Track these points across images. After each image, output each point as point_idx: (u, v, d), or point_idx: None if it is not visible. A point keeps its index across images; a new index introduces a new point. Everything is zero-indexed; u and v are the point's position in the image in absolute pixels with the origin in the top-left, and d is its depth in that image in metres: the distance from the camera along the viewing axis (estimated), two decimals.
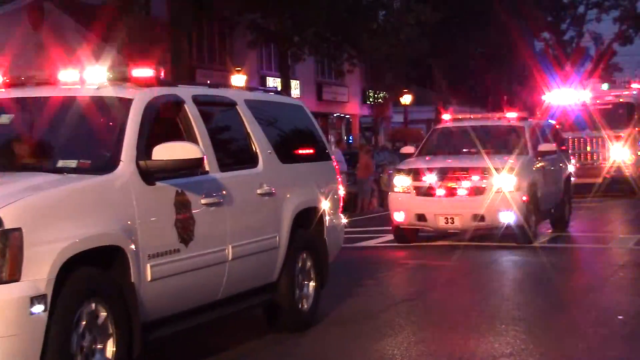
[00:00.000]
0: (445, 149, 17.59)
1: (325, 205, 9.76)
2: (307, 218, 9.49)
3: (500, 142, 17.30)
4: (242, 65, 35.15)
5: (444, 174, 16.07)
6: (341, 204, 10.38)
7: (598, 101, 27.55)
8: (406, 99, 45.81)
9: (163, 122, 7.83)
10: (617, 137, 26.55)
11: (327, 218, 9.82)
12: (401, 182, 16.41)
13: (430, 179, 16.08)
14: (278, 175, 9.08)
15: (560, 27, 55.69)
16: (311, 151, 10.10)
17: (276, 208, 8.98)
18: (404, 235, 16.75)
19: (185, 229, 7.50)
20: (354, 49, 38.66)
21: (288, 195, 9.16)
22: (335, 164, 10.45)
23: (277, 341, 9.03)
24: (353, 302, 11.11)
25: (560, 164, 18.86)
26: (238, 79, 30.34)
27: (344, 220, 10.53)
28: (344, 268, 13.25)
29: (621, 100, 27.63)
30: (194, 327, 7.94)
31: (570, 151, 25.96)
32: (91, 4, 32.79)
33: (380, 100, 50.76)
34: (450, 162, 16.47)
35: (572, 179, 19.91)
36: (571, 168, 19.86)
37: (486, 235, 16.71)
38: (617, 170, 26.47)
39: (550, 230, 18.35)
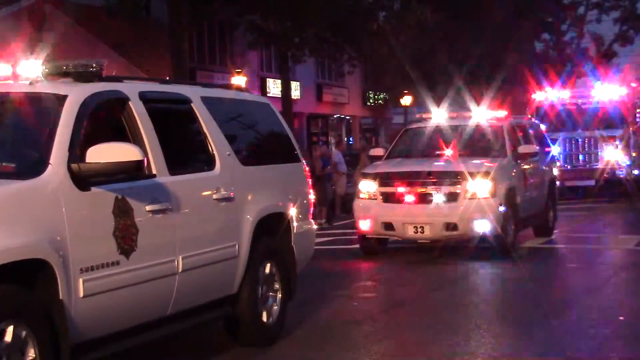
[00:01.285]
0: (417, 151, 16.24)
1: (292, 210, 9.03)
2: (273, 224, 8.76)
3: (477, 143, 15.88)
4: (243, 66, 34.68)
5: (413, 178, 14.73)
6: (312, 209, 9.65)
7: (590, 100, 26.49)
8: (406, 100, 45.13)
9: (104, 121, 7.12)
10: (611, 138, 25.47)
11: (295, 224, 9.07)
12: (367, 187, 15.08)
13: (398, 184, 14.79)
14: (238, 179, 8.36)
15: (561, 28, 55.14)
16: (278, 152, 9.37)
17: (236, 214, 8.25)
18: (370, 245, 15.43)
19: (126, 239, 6.78)
20: (354, 50, 38.26)
21: (250, 200, 8.44)
22: (305, 166, 9.73)
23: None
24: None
25: (544, 167, 17.52)
26: (238, 81, 29.77)
27: (314, 226, 9.79)
28: (338, 270, 12.69)
29: (615, 99, 26.53)
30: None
31: (562, 152, 25.02)
32: (91, 6, 32.43)
33: (380, 101, 50.30)
34: (421, 166, 15.12)
35: (557, 182, 18.73)
36: (556, 171, 18.78)
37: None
38: (610, 172, 25.38)
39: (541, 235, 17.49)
